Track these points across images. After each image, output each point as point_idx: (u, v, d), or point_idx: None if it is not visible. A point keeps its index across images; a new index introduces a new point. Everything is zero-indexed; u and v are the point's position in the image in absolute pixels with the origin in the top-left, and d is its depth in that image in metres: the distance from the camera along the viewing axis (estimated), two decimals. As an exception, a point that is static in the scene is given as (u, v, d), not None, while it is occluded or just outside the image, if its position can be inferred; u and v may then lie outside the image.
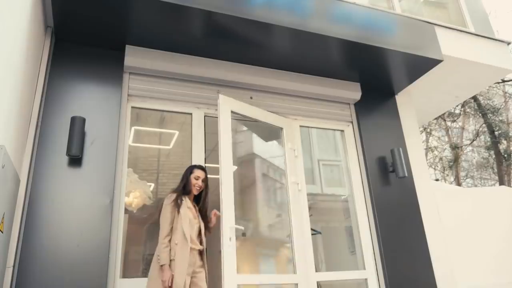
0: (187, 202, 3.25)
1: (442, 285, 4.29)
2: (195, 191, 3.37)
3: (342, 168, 4.88)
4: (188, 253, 3.04)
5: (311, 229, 4.21)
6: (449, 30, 5.08)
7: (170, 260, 3.01)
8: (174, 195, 3.24)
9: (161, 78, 4.12)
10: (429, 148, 15.01)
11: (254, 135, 4.78)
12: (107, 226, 3.31)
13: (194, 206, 3.34)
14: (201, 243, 3.24)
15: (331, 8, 4.25)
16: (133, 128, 4.07)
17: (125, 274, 3.54)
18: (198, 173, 3.41)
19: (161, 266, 2.98)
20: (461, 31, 5.22)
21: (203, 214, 3.38)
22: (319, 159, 5.01)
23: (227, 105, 3.92)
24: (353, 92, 4.82)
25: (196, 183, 3.36)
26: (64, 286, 3.02)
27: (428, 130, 14.46)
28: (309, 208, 4.27)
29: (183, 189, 3.32)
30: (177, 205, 3.19)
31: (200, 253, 3.22)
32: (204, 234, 3.30)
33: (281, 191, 4.39)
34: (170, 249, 3.03)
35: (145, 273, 3.85)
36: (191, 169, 3.45)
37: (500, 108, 13.47)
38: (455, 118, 14.53)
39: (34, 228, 3.10)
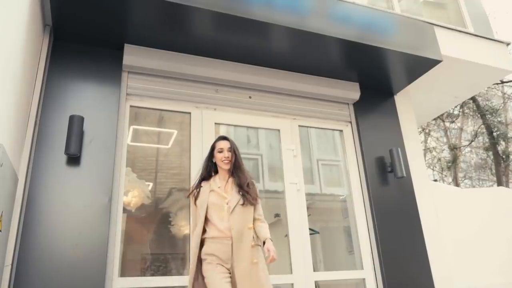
0: (215, 183, 2.87)
1: (440, 285, 4.30)
2: (224, 166, 2.88)
3: (341, 168, 4.89)
4: (220, 247, 2.67)
5: (310, 229, 4.21)
6: (449, 30, 5.09)
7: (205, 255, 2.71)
8: (193, 188, 2.94)
9: (160, 77, 4.12)
10: (428, 148, 15.03)
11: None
12: (105, 225, 3.31)
13: (233, 182, 2.86)
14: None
15: (330, 8, 4.25)
16: (131, 127, 4.06)
17: (123, 273, 3.53)
18: (220, 145, 2.93)
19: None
20: (460, 31, 5.23)
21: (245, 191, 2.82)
22: (318, 159, 5.01)
23: (209, 119, 4.19)
24: (352, 92, 4.82)
25: (222, 156, 2.88)
26: (62, 284, 3.02)
27: (427, 130, 14.48)
28: (308, 208, 4.27)
29: (206, 173, 2.95)
30: (193, 196, 2.87)
31: None
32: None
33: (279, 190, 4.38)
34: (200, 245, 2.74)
35: (144, 273, 3.85)
36: (212, 145, 2.99)
37: (498, 109, 13.50)
38: (454, 119, 14.55)
39: (32, 227, 3.10)
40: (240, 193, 2.78)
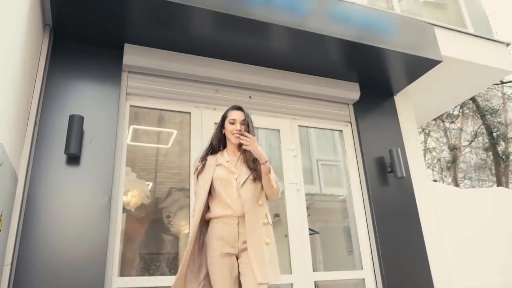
0: (223, 157, 2.55)
1: (439, 286, 4.30)
2: (234, 140, 2.53)
3: (341, 168, 4.89)
4: (227, 228, 2.37)
5: (309, 229, 4.21)
6: (449, 30, 5.09)
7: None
8: (197, 163, 2.61)
9: (159, 77, 4.12)
10: (428, 149, 15.04)
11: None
12: (105, 224, 3.31)
13: (244, 158, 2.53)
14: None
15: (330, 8, 4.25)
16: (131, 127, 4.06)
17: (123, 273, 3.53)
18: (233, 115, 2.56)
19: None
20: (460, 32, 5.23)
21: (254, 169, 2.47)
22: (318, 159, 5.01)
23: (209, 119, 4.13)
24: (352, 92, 4.82)
25: (233, 129, 2.52)
26: (62, 284, 3.02)
27: (427, 131, 14.49)
28: (308, 208, 4.27)
29: (216, 143, 2.63)
30: (197, 171, 2.55)
31: None
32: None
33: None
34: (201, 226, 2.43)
35: (143, 272, 3.86)
36: (224, 114, 2.63)
37: (498, 110, 13.52)
38: (454, 119, 14.57)
39: (32, 226, 3.10)
40: (251, 169, 2.47)
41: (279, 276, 2.34)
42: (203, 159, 2.58)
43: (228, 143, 2.60)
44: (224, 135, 2.61)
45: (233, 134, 2.52)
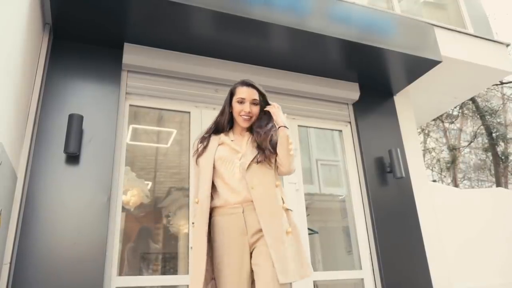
0: (227, 137, 2.20)
1: (438, 286, 4.30)
2: (242, 123, 2.18)
3: (341, 168, 4.89)
4: (233, 219, 2.00)
5: (308, 229, 4.21)
6: (448, 31, 5.09)
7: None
8: (197, 144, 2.24)
9: (159, 76, 4.11)
10: (427, 149, 15.05)
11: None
12: (104, 224, 3.31)
13: (252, 138, 2.18)
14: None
15: (330, 8, 4.25)
16: (131, 126, 4.06)
17: (122, 272, 3.53)
18: (242, 93, 2.18)
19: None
20: (460, 32, 5.23)
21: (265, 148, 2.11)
22: (317, 159, 5.01)
23: (209, 118, 3.97)
24: (352, 92, 4.82)
25: (241, 110, 2.16)
26: (61, 283, 3.01)
27: (426, 131, 14.50)
28: (307, 207, 4.27)
29: (223, 120, 2.25)
30: (196, 153, 2.21)
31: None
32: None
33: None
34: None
35: (142, 271, 3.86)
36: (232, 89, 2.25)
37: (498, 110, 13.53)
38: (453, 120, 14.57)
39: (31, 225, 3.10)
40: (259, 149, 2.10)
41: (308, 271, 1.98)
42: (205, 139, 2.22)
43: (235, 123, 2.25)
44: (232, 114, 2.24)
45: (241, 115, 2.16)
